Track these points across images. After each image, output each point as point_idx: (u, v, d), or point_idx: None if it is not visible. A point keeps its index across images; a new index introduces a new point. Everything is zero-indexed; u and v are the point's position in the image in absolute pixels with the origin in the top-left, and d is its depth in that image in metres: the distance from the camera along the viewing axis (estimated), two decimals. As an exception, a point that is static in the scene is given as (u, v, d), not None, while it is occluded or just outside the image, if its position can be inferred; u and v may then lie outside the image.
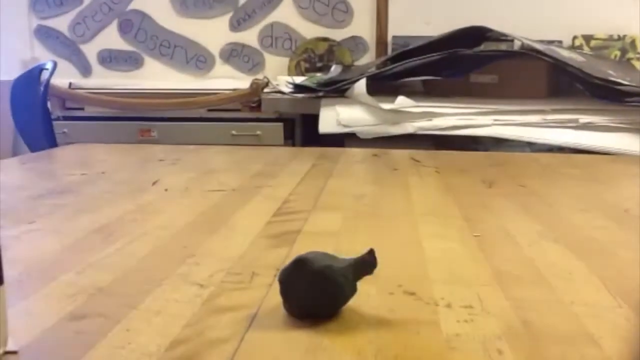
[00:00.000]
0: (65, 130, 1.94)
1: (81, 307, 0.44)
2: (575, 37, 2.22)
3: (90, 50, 2.53)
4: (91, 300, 0.45)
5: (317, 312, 0.41)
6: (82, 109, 2.02)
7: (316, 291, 0.40)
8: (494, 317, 0.41)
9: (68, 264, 0.53)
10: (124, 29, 2.49)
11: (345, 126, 1.58)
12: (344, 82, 1.74)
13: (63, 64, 2.51)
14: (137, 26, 2.48)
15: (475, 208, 0.74)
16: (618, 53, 2.20)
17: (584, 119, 1.50)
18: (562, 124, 1.52)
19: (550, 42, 2.03)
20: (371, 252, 0.42)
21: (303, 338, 0.39)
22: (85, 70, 2.54)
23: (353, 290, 0.42)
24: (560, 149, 1.43)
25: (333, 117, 1.61)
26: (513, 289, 0.47)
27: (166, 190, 0.83)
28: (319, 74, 2.16)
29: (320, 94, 1.77)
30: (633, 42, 2.19)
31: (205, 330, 0.40)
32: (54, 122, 1.89)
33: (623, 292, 0.47)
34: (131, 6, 2.47)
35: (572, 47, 2.17)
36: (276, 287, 0.48)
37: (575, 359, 0.37)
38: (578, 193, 0.86)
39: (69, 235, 0.62)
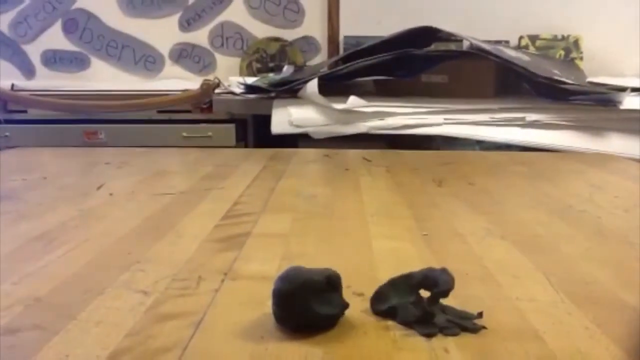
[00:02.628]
0: (7, 134, 1.87)
1: (16, 319, 0.42)
2: (521, 37, 2.27)
3: (34, 51, 2.44)
4: (27, 311, 0.43)
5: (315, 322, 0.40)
6: (25, 111, 1.94)
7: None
8: (441, 316, 0.41)
9: (4, 274, 0.50)
10: (69, 28, 2.42)
11: (297, 126, 1.57)
12: (296, 82, 1.73)
13: (4, 65, 2.42)
14: (82, 26, 2.41)
15: (424, 207, 0.75)
16: (562, 53, 2.26)
17: (530, 117, 1.54)
18: (509, 123, 1.55)
19: (498, 42, 2.07)
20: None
21: (248, 344, 0.38)
22: (29, 72, 2.45)
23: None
24: (508, 147, 1.46)
25: (285, 118, 1.60)
26: (461, 287, 0.47)
27: (111, 194, 0.80)
28: (271, 74, 2.14)
29: (273, 94, 1.76)
30: (576, 42, 2.26)
31: (148, 339, 0.39)
32: (-5, 126, 1.81)
33: (566, 287, 0.48)
34: (76, 5, 2.40)
35: (519, 47, 2.22)
36: (223, 291, 0.47)
37: (520, 355, 0.37)
38: (524, 190, 0.87)
39: (6, 244, 0.59)
